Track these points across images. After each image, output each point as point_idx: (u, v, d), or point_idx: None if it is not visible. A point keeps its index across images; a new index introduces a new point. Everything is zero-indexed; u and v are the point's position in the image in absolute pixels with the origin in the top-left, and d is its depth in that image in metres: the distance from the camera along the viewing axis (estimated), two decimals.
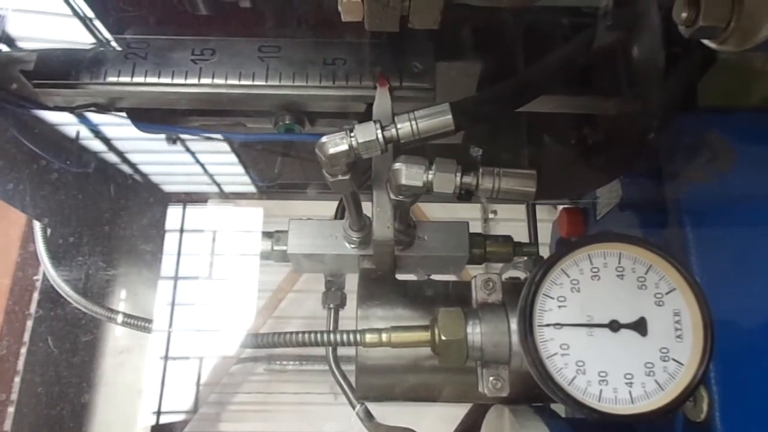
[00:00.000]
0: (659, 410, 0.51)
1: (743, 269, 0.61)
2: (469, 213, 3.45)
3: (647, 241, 0.55)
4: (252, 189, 1.23)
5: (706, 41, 0.50)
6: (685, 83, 0.63)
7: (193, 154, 1.17)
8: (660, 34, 0.60)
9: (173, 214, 1.37)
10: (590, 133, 0.75)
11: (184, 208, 1.45)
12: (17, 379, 1.04)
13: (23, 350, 1.08)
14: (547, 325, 0.54)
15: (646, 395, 0.52)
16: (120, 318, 0.87)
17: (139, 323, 0.81)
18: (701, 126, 0.67)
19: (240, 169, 1.15)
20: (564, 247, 0.56)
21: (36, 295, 1.06)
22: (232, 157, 1.12)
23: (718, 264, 0.61)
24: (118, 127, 0.95)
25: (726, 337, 0.57)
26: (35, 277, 1.04)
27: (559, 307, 0.55)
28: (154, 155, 1.18)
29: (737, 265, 0.61)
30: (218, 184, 1.28)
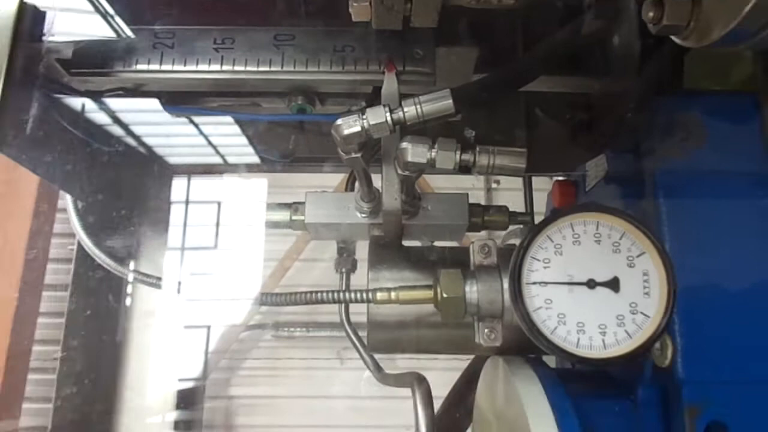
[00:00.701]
0: (627, 355, 0.60)
1: (708, 236, 0.68)
2: (469, 182, 3.52)
3: (622, 211, 0.63)
4: (262, 163, 1.29)
5: (672, 37, 0.58)
6: (660, 69, 0.70)
7: (202, 132, 1.24)
8: (636, 26, 0.67)
9: (181, 185, 1.45)
10: (578, 112, 0.82)
11: (189, 179, 1.53)
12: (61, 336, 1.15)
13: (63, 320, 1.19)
14: (534, 283, 0.63)
15: (617, 342, 0.61)
16: (131, 276, 0.97)
17: (149, 280, 0.90)
18: (677, 107, 0.74)
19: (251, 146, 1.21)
20: (549, 216, 0.64)
21: (72, 266, 1.15)
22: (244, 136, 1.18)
23: (687, 231, 0.69)
24: (139, 111, 1.03)
25: (691, 295, 0.65)
26: (70, 247, 1.13)
27: (544, 267, 0.63)
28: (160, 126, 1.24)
29: (703, 233, 0.69)
30: (223, 156, 1.34)
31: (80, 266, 1.15)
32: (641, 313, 0.61)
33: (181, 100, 0.94)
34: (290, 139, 1.06)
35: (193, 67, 0.83)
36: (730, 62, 0.80)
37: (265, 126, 1.08)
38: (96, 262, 0.98)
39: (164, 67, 0.83)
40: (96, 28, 0.88)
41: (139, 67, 0.84)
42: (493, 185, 4.06)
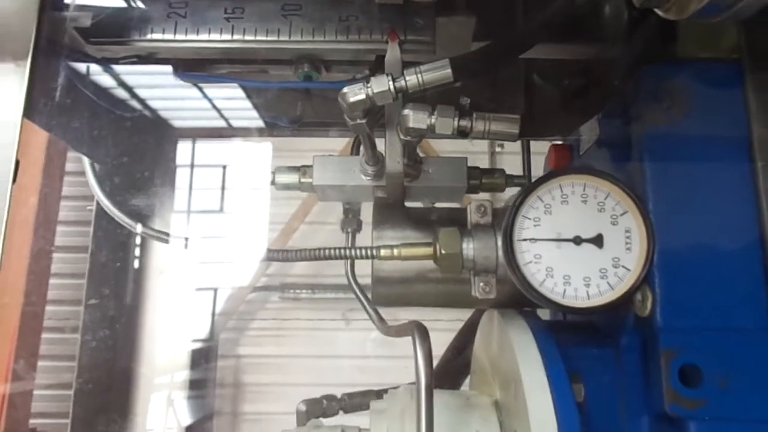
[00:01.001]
0: (609, 304, 0.66)
1: (690, 197, 0.73)
2: (477, 147, 3.55)
3: (607, 174, 0.69)
4: (269, 127, 1.33)
5: (655, 9, 0.62)
6: (648, 37, 0.74)
7: (207, 96, 1.28)
8: None
9: (185, 149, 1.49)
10: (572, 78, 0.86)
11: (193, 143, 1.57)
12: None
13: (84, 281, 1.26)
14: (524, 240, 0.69)
15: (599, 293, 0.67)
16: (139, 228, 1.02)
17: (157, 234, 0.96)
18: (663, 75, 0.78)
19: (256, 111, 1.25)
20: (539, 178, 0.69)
21: (91, 228, 1.22)
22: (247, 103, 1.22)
23: (670, 192, 0.73)
24: (153, 75, 1.07)
25: (671, 251, 0.70)
26: (89, 208, 1.19)
27: (534, 225, 0.69)
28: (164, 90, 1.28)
29: (685, 193, 0.73)
30: (226, 119, 1.38)
31: (99, 227, 1.21)
32: (623, 266, 0.67)
33: (193, 67, 0.98)
34: (297, 105, 1.10)
35: (205, 36, 0.87)
36: (721, 30, 0.83)
37: (273, 92, 1.12)
38: (113, 225, 1.04)
39: (178, 36, 0.88)
40: None
41: (154, 36, 0.88)
42: (497, 149, 4.10)
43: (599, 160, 0.88)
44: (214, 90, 1.25)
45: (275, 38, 0.86)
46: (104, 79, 1.10)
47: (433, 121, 0.70)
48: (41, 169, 1.89)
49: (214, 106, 1.33)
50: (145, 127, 1.26)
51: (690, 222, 0.73)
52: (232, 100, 1.28)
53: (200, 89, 1.24)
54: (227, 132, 1.42)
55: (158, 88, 1.21)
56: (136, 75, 1.11)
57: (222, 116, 1.35)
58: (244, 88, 1.15)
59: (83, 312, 1.22)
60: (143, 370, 1.26)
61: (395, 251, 0.76)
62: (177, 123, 1.34)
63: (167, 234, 1.05)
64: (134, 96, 1.18)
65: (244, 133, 1.41)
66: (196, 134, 1.51)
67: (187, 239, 1.20)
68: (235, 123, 1.36)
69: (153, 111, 1.26)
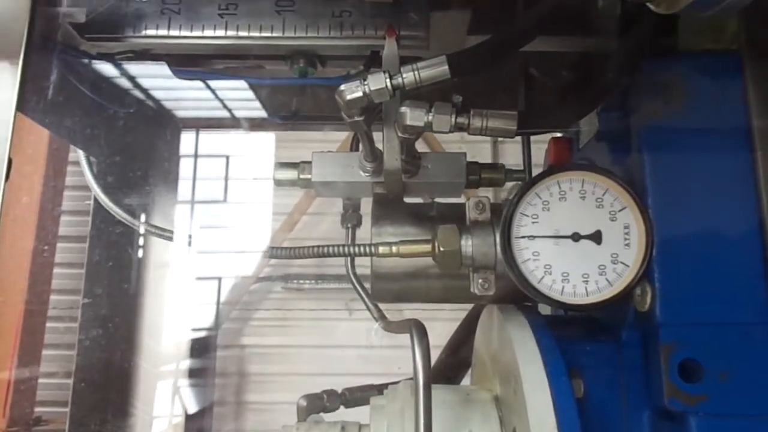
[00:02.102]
0: (606, 301, 0.66)
1: (689, 190, 0.72)
2: (481, 137, 3.54)
3: (605, 170, 0.68)
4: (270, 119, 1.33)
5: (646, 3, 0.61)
6: (645, 30, 0.74)
7: (210, 88, 1.27)
8: None
9: (191, 140, 1.49)
10: (570, 71, 0.86)
11: (197, 133, 1.56)
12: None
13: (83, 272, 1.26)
14: (523, 237, 0.68)
15: (598, 290, 0.67)
16: (142, 228, 1.02)
17: (160, 232, 0.96)
18: (662, 67, 0.78)
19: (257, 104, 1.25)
20: (537, 175, 0.69)
21: (89, 218, 1.22)
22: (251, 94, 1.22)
23: (669, 186, 0.73)
24: (150, 70, 1.07)
25: (670, 245, 0.70)
26: (87, 202, 1.19)
27: (533, 222, 0.69)
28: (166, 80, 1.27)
29: (684, 187, 0.72)
30: (230, 109, 1.37)
31: (97, 218, 1.21)
32: (621, 262, 0.67)
33: (189, 63, 0.98)
34: (293, 99, 1.10)
35: (198, 33, 0.88)
36: (720, 21, 0.82)
37: (268, 88, 1.12)
38: (112, 216, 1.04)
39: (172, 32, 0.88)
40: None
41: (148, 32, 0.88)
42: (500, 140, 4.08)
43: (598, 154, 0.88)
44: (217, 82, 1.24)
45: (269, 34, 0.86)
46: (104, 72, 1.10)
47: (430, 118, 0.70)
48: (44, 161, 1.89)
49: (216, 96, 1.32)
50: (145, 119, 1.26)
51: (689, 215, 0.72)
52: (234, 91, 1.27)
53: (206, 84, 1.24)
54: (229, 123, 1.42)
55: (159, 78, 1.20)
56: (135, 66, 1.10)
57: (225, 107, 1.35)
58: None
59: (81, 305, 1.22)
60: (142, 361, 1.27)
61: (394, 248, 0.76)
62: (180, 114, 1.34)
63: (171, 231, 1.05)
64: (136, 86, 1.18)
65: (247, 124, 1.41)
66: (199, 125, 1.51)
67: (190, 236, 1.21)
68: (237, 113, 1.36)
69: (154, 102, 1.25)
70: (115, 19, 0.88)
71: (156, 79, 1.19)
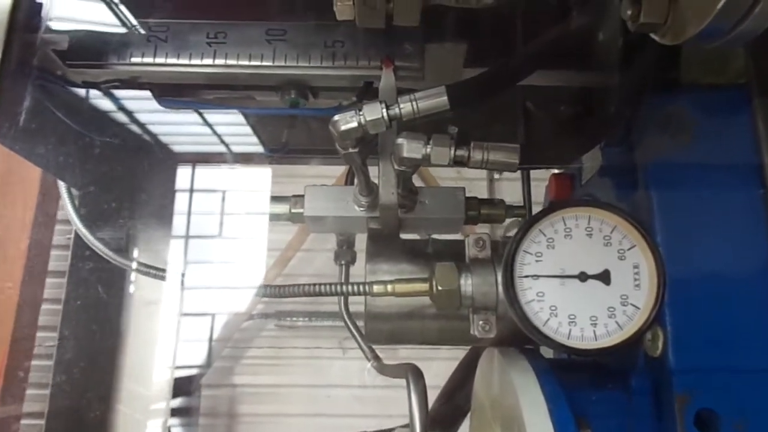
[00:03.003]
0: (617, 345, 0.62)
1: (699, 228, 0.69)
2: (476, 173, 3.53)
3: (613, 206, 0.65)
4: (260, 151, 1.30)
5: (651, 34, 0.59)
6: (647, 64, 0.71)
7: (207, 121, 1.24)
8: (619, 22, 0.68)
9: (184, 174, 1.45)
10: (570, 106, 0.83)
11: (193, 168, 1.53)
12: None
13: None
14: (526, 276, 0.64)
15: (607, 334, 0.62)
16: (134, 264, 0.98)
17: (153, 271, 0.92)
18: (668, 101, 0.75)
19: (252, 138, 1.22)
20: (541, 211, 0.65)
21: (69, 252, 1.17)
22: (245, 128, 1.19)
23: (678, 223, 0.69)
24: (137, 100, 1.04)
25: (681, 286, 0.67)
26: (68, 236, 1.15)
27: (537, 261, 0.65)
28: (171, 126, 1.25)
29: (694, 225, 0.69)
30: (226, 144, 1.34)
31: (77, 254, 1.17)
32: (632, 304, 0.63)
33: (176, 92, 0.95)
34: (284, 132, 1.07)
35: (186, 61, 0.84)
36: (726, 55, 0.80)
37: (257, 119, 1.10)
38: (92, 251, 0.99)
39: (158, 60, 0.85)
40: (93, 20, 0.89)
41: (134, 60, 0.85)
42: (496, 176, 4.07)
43: (602, 190, 0.85)
44: (212, 116, 1.22)
45: (258, 63, 0.83)
46: (100, 106, 1.07)
47: (428, 150, 0.66)
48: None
49: (213, 130, 1.29)
50: (131, 153, 1.23)
51: (701, 255, 0.69)
52: (230, 126, 1.25)
53: (200, 114, 1.21)
54: (219, 158, 1.38)
55: (154, 113, 1.18)
56: (131, 100, 1.08)
57: (222, 141, 1.32)
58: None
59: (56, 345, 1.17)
60: (122, 406, 1.21)
61: (389, 287, 0.72)
62: (175, 148, 1.31)
63: (163, 270, 1.01)
64: (131, 119, 1.15)
65: (241, 158, 1.38)
66: (191, 159, 1.48)
67: (183, 275, 1.16)
68: (234, 149, 1.33)
69: (144, 135, 1.22)
70: (98, 46, 0.85)
71: (151, 114, 1.16)
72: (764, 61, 0.76)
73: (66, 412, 1.13)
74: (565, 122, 0.87)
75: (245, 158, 1.30)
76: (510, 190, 0.93)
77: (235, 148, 1.31)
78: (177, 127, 1.26)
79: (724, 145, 0.74)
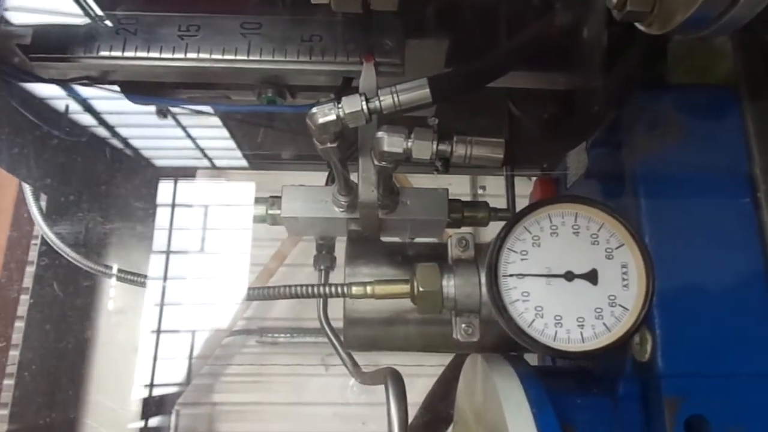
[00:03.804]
0: (604, 348, 0.59)
1: (688, 231, 0.67)
2: (460, 188, 3.51)
3: (600, 203, 0.62)
4: (242, 162, 1.27)
5: (636, 24, 0.57)
6: (633, 63, 0.70)
7: (184, 128, 1.21)
8: (604, 18, 0.67)
9: (164, 188, 1.42)
10: (553, 107, 0.82)
11: (176, 183, 1.50)
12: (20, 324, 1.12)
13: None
14: (511, 276, 0.62)
15: (595, 336, 0.60)
16: (115, 270, 0.93)
17: (134, 278, 0.87)
18: (655, 102, 0.74)
19: (230, 143, 1.19)
20: (526, 207, 0.63)
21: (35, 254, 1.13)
22: (223, 132, 1.16)
23: (666, 226, 0.68)
24: (108, 100, 1.00)
25: (669, 289, 0.64)
26: (33, 242, 1.11)
27: (522, 259, 0.62)
28: (144, 129, 1.21)
29: (682, 227, 0.67)
30: (209, 158, 1.32)
31: (42, 264, 1.12)
32: (620, 305, 0.60)
33: (152, 92, 0.92)
34: (259, 132, 1.05)
35: (156, 54, 0.81)
36: (712, 56, 0.79)
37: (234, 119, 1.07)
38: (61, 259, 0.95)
39: (127, 54, 0.81)
40: (57, 12, 0.86)
41: (102, 53, 0.81)
42: (480, 191, 4.06)
43: (589, 193, 0.83)
44: (196, 130, 1.19)
45: (232, 57, 0.80)
46: (81, 121, 1.04)
47: (409, 144, 0.64)
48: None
49: (196, 144, 1.26)
50: (116, 163, 1.19)
51: (690, 257, 0.67)
52: (214, 140, 1.22)
53: (184, 129, 1.18)
54: (191, 171, 1.35)
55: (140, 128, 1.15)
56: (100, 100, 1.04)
57: (204, 154, 1.29)
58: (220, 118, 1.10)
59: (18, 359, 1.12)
60: (89, 420, 1.16)
61: (368, 289, 0.69)
62: (158, 163, 1.27)
63: (144, 276, 0.96)
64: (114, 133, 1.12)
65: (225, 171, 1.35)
66: (174, 173, 1.44)
67: (165, 281, 1.12)
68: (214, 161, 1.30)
69: (131, 149, 1.19)
70: (64, 39, 0.81)
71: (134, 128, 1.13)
72: (753, 62, 0.74)
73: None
74: (551, 120, 0.85)
75: (223, 168, 1.27)
76: (493, 201, 0.90)
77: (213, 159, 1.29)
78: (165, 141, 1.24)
79: (713, 147, 0.72)
